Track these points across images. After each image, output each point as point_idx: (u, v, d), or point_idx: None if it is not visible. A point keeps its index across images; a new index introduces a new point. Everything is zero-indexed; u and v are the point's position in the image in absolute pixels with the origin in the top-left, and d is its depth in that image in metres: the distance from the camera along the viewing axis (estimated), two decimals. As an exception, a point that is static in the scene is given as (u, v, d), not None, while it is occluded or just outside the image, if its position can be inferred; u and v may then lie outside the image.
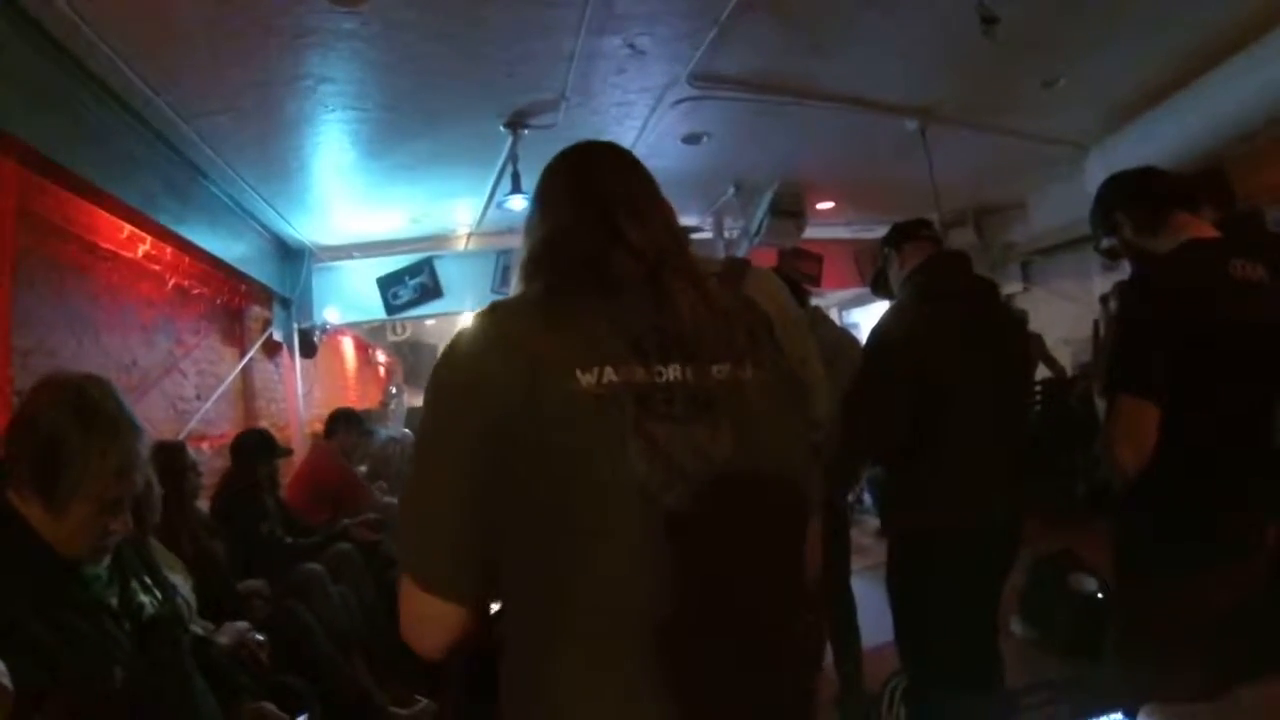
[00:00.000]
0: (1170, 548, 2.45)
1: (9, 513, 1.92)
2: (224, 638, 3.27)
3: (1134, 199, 2.74)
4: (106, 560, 2.16)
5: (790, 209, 7.36)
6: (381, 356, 14.39)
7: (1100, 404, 2.55)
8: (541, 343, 1.29)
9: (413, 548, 1.33)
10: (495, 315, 1.36)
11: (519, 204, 5.80)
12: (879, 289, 3.61)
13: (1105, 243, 2.88)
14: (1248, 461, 2.44)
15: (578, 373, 1.26)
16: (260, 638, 3.43)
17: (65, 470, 1.90)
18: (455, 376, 1.33)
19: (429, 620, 1.31)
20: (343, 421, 6.47)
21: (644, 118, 5.36)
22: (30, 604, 1.84)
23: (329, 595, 4.32)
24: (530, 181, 5.45)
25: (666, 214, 1.53)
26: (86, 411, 1.97)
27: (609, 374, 1.27)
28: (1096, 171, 6.09)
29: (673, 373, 1.30)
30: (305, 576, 4.34)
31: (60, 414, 1.94)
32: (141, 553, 2.51)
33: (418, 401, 12.43)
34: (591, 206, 1.48)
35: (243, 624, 3.48)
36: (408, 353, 14.36)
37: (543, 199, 1.56)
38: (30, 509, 1.92)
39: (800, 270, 8.20)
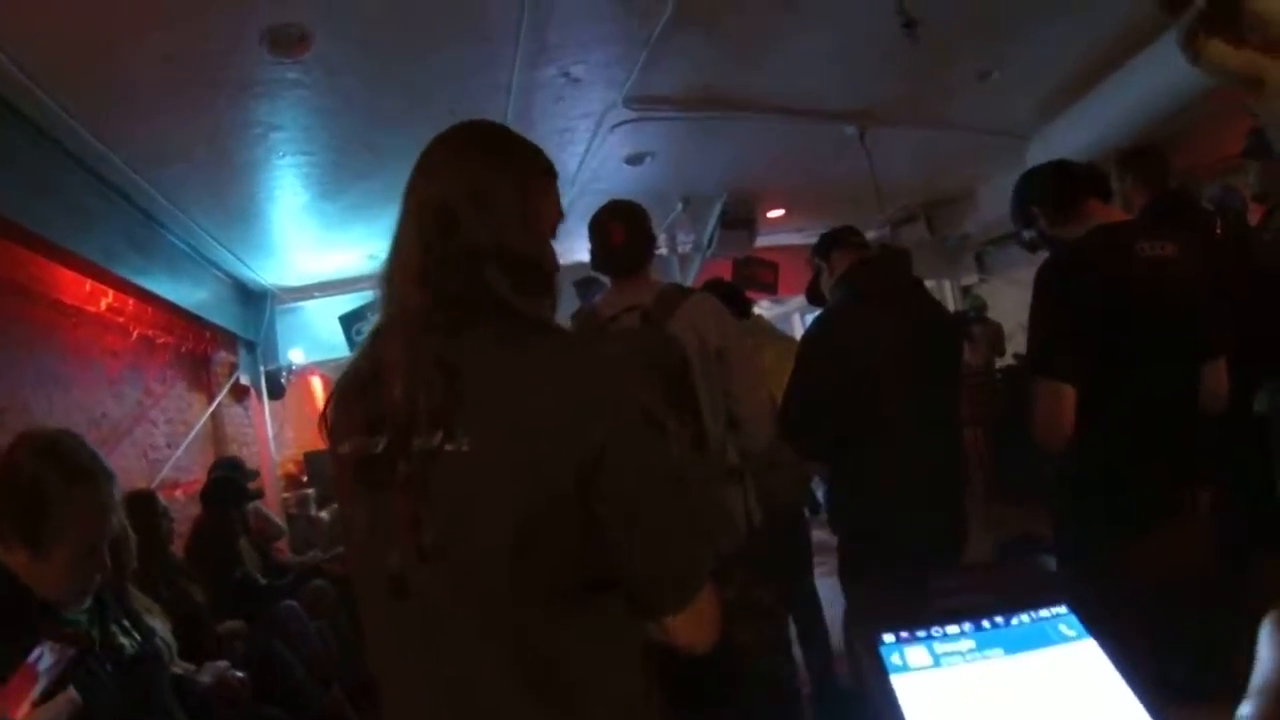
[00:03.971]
0: (1101, 521, 2.57)
1: None
2: (205, 677, 3.35)
3: (1045, 193, 2.88)
4: (87, 604, 2.27)
5: (740, 219, 7.49)
6: (352, 394, 14.37)
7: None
8: (330, 413, 1.45)
9: None
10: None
11: (475, 234, 5.77)
12: (814, 298, 3.74)
13: (1025, 235, 3.04)
14: (1168, 431, 2.55)
15: (338, 448, 1.39)
16: (240, 674, 3.51)
17: (48, 516, 2.02)
18: None
19: None
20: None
21: (586, 142, 5.47)
22: (13, 647, 1.94)
23: (306, 631, 4.41)
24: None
25: (423, 257, 1.35)
26: (63, 462, 2.10)
27: (346, 445, 1.36)
28: (1038, 159, 6.08)
29: (383, 444, 1.29)
30: (283, 614, 4.43)
31: (39, 465, 2.07)
32: (120, 597, 2.62)
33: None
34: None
35: (223, 663, 3.56)
36: (375, 389, 14.30)
37: None
38: (14, 556, 2.03)
39: (756, 279, 8.31)
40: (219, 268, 7.06)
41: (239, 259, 6.93)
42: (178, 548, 4.83)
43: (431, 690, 1.30)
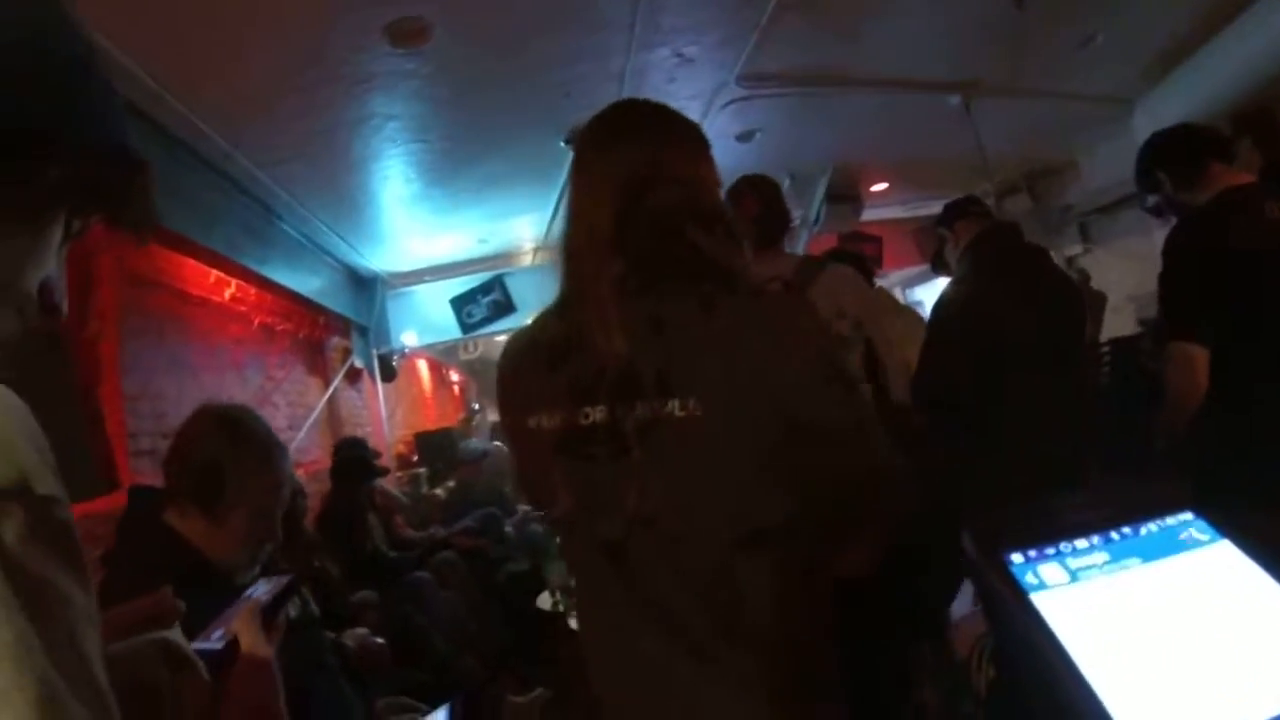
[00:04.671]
0: (1245, 484, 2.52)
1: (168, 531, 2.16)
2: (348, 641, 3.52)
3: (1171, 157, 2.89)
4: (256, 572, 2.42)
5: (845, 193, 7.46)
6: (455, 376, 14.67)
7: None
8: (511, 386, 1.53)
9: None
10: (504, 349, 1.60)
11: (591, 217, 5.88)
12: (939, 268, 3.76)
13: (1150, 201, 3.04)
14: None
15: (529, 420, 1.44)
16: (380, 640, 3.68)
17: (224, 484, 2.12)
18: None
19: None
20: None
21: (697, 121, 5.40)
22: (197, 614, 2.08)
23: (439, 600, 4.58)
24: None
25: (614, 217, 1.42)
26: (240, 434, 2.21)
27: (542, 420, 1.42)
28: (1144, 125, 6.02)
29: (598, 414, 1.35)
30: (415, 584, 4.62)
31: (218, 435, 2.18)
32: (279, 565, 2.78)
33: (496, 416, 12.64)
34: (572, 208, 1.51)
35: (362, 629, 3.73)
36: (480, 370, 14.54)
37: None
38: (191, 523, 2.15)
39: (860, 252, 8.27)
40: (332, 256, 7.29)
41: (351, 246, 7.14)
42: (308, 523, 5.03)
43: (648, 644, 1.36)
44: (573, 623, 4.23)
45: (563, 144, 5.39)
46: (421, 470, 8.98)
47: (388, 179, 5.70)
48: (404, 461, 9.27)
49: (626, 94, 4.78)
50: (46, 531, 0.60)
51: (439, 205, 6.45)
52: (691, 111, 5.27)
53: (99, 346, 4.07)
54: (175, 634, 1.12)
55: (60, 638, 0.58)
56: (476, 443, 8.81)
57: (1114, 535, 0.79)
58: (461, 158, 5.49)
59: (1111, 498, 0.82)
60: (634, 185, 1.41)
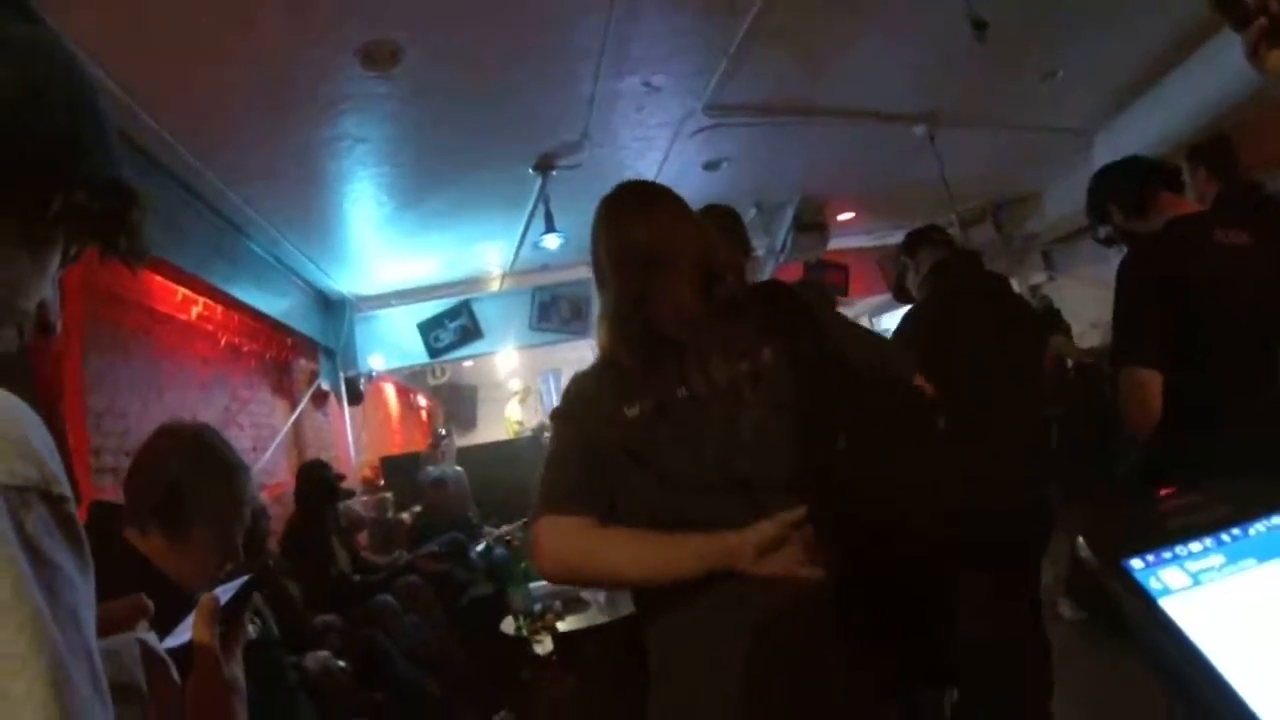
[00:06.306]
0: None
1: (128, 549, 2.15)
2: (310, 665, 3.50)
3: (1120, 188, 2.97)
4: (215, 591, 2.40)
5: (812, 222, 7.52)
6: (423, 400, 14.58)
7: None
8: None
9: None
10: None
11: (554, 242, 6.01)
12: (901, 295, 3.80)
13: (1102, 231, 3.10)
14: (1250, 413, 2.57)
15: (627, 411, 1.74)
16: (342, 664, 3.66)
17: (186, 503, 2.12)
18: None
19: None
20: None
21: (665, 149, 5.56)
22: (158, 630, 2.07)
23: (402, 624, 4.55)
24: (562, 220, 5.66)
25: (691, 249, 1.78)
26: (202, 454, 2.20)
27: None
28: (1103, 157, 6.04)
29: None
30: (379, 608, 4.59)
31: (179, 456, 2.17)
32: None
33: (464, 441, 12.56)
34: (625, 263, 1.79)
35: (325, 653, 3.71)
36: (448, 395, 14.46)
37: (593, 256, 1.87)
38: (151, 542, 2.12)
39: (826, 281, 8.34)
40: (300, 277, 7.27)
41: (320, 268, 7.13)
42: (272, 545, 5.00)
43: None
44: (538, 648, 4.23)
45: (531, 170, 5.42)
46: (388, 494, 8.92)
47: (357, 201, 5.71)
48: (370, 486, 9.19)
49: (595, 121, 4.85)
50: (60, 524, 0.66)
51: (408, 228, 6.44)
52: (659, 140, 5.34)
53: (62, 362, 4.01)
54: (150, 635, 1.13)
55: (66, 617, 0.63)
56: (439, 468, 8.76)
57: (1225, 537, 0.76)
58: (432, 181, 5.51)
59: (1216, 498, 0.80)
60: (705, 265, 1.78)
